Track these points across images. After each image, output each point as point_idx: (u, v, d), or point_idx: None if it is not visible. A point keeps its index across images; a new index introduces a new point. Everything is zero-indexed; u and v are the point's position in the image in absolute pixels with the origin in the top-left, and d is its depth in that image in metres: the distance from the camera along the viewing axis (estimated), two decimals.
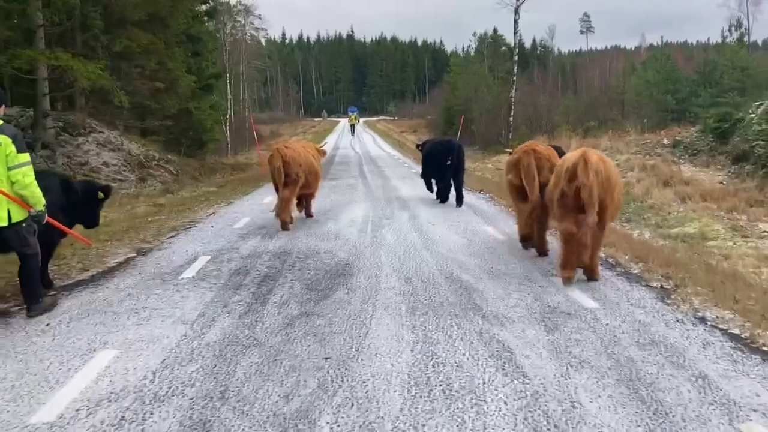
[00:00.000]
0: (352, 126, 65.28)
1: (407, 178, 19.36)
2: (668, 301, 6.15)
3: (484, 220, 11.08)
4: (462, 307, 5.78)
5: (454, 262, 7.63)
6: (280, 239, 9.22)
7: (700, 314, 5.73)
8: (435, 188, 13.86)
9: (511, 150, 13.03)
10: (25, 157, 5.39)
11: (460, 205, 12.71)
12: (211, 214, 12.23)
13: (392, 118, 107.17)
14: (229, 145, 42.83)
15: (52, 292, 6.34)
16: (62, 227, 6.30)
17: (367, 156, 33.06)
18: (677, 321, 5.51)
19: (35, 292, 5.69)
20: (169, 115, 22.83)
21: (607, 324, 5.37)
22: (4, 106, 5.67)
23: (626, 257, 8.14)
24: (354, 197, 14.54)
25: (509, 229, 10.27)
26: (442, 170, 13.06)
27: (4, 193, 5.28)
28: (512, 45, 36.41)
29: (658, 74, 37.70)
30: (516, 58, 35.31)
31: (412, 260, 7.72)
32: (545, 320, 5.44)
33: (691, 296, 6.30)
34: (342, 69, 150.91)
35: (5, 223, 5.32)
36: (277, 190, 10.50)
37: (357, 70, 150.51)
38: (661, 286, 6.75)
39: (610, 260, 8.00)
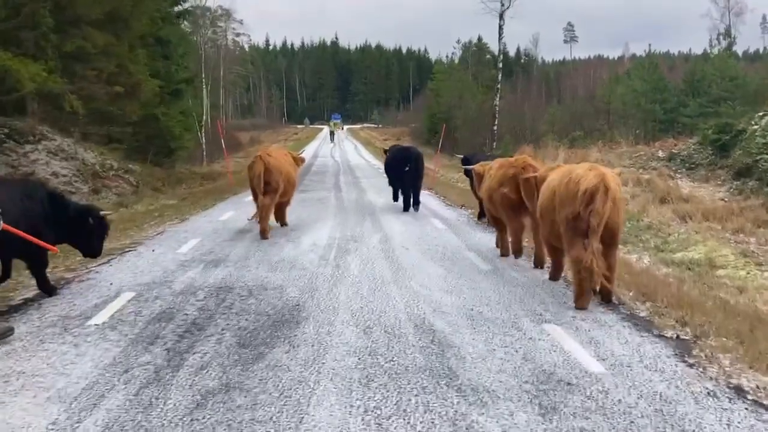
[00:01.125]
0: (332, 133, 64.14)
1: (385, 190, 18.00)
2: (690, 360, 4.91)
3: (466, 244, 9.81)
4: (432, 373, 4.49)
5: (427, 303, 6.34)
6: (226, 269, 7.88)
7: (734, 381, 4.49)
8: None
9: (462, 155, 12.76)
10: None
11: (417, 210, 13.48)
12: (158, 234, 10.86)
13: (376, 125, 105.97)
14: (205, 153, 41.36)
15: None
16: (21, 233, 5.75)
17: (346, 165, 31.77)
18: (708, 394, 4.25)
19: None
20: (133, 121, 21.38)
21: (620, 401, 4.10)
22: None
23: (630, 294, 6.91)
24: (323, 213, 13.23)
25: (493, 254, 9.04)
26: (401, 177, 13.67)
27: None
28: (497, 52, 35.33)
29: (646, 83, 36.80)
30: (500, 65, 34.23)
31: (377, 300, 6.41)
32: (540, 395, 4.16)
33: (717, 352, 5.07)
34: (326, 76, 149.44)
35: None
36: (255, 198, 10.48)
37: (341, 77, 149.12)
38: (677, 336, 5.52)
39: (612, 297, 6.76)
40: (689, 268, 9.29)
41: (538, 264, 8.11)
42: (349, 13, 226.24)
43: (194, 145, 39.07)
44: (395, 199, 14.37)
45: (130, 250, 9.31)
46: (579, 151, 19.16)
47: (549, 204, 6.70)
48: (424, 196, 17.25)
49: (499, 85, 33.34)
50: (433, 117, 49.46)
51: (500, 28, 32.60)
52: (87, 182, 16.61)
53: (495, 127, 32.38)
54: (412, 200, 13.58)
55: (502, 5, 32.05)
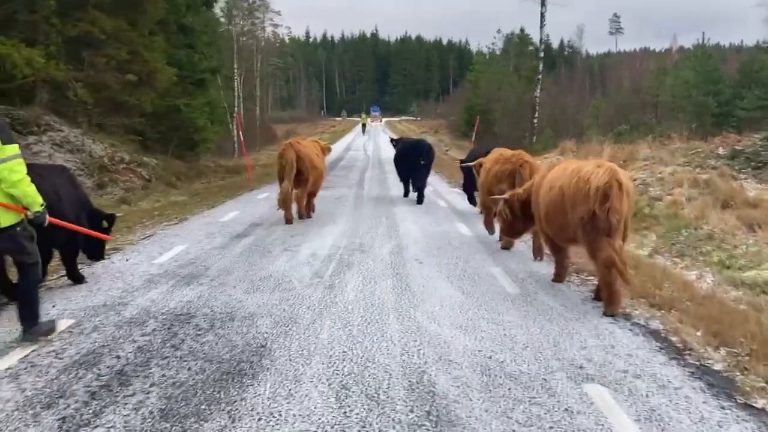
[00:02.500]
0: (363, 125, 64.61)
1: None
2: None
3: (492, 257, 8.31)
4: None
5: (432, 345, 4.90)
6: (198, 287, 6.55)
7: None
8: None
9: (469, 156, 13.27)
10: (14, 149, 4.57)
11: (420, 203, 13.50)
12: (145, 238, 9.62)
13: (414, 118, 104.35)
14: (236, 146, 40.47)
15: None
16: (71, 226, 5.87)
17: (376, 159, 30.28)
18: None
19: (34, 312, 4.86)
20: (149, 112, 20.35)
21: None
22: None
23: (697, 333, 5.36)
24: (335, 215, 11.83)
25: (523, 271, 7.54)
26: (412, 170, 14.03)
27: None
28: (538, 41, 33.30)
29: (698, 74, 34.34)
30: (542, 54, 32.23)
31: (368, 340, 4.99)
32: None
33: None
34: (365, 68, 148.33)
35: None
36: (281, 184, 10.60)
37: (380, 69, 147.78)
38: None
39: (673, 338, 5.25)
40: (765, 292, 7.64)
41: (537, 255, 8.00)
42: (389, 5, 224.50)
43: (225, 137, 38.27)
44: (406, 194, 14.70)
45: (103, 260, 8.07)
46: (626, 147, 17.39)
47: (557, 204, 6.29)
48: (453, 194, 15.85)
49: (539, 76, 31.40)
50: (470, 109, 47.66)
51: (542, 15, 30.69)
52: (92, 176, 15.56)
53: (535, 120, 30.53)
54: (416, 194, 13.79)
55: None
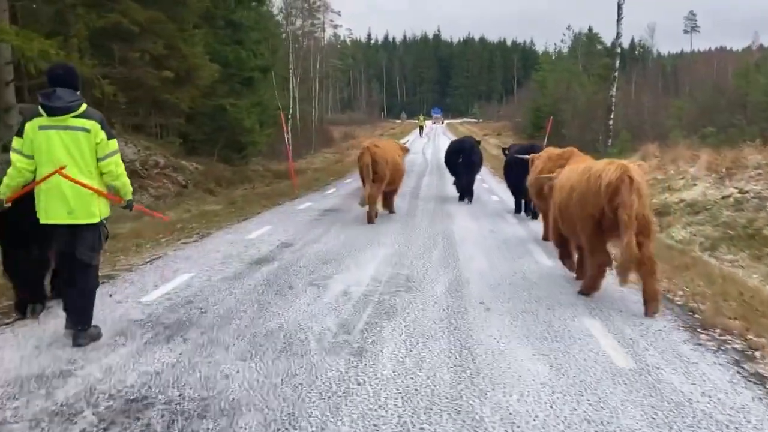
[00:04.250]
0: (421, 128, 64.26)
1: (474, 200, 14.64)
2: None
3: (584, 302, 6.17)
4: None
5: None
6: (176, 349, 4.73)
7: None
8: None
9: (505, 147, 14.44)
10: (115, 144, 4.70)
11: (470, 202, 14.20)
12: (149, 261, 7.94)
13: (476, 120, 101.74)
14: (290, 148, 39.16)
15: None
16: (146, 210, 7.00)
17: (435, 164, 28.21)
18: None
19: (88, 314, 4.75)
20: (192, 112, 19.01)
21: None
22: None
23: None
24: (380, 234, 9.88)
25: (633, 326, 5.43)
26: (457, 170, 14.54)
27: (96, 191, 4.58)
28: (614, 36, 30.38)
29: None
30: (618, 50, 29.49)
31: None
32: None
33: None
34: (426, 70, 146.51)
35: (96, 220, 4.63)
36: (364, 185, 11.12)
37: (442, 70, 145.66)
38: None
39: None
40: None
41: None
42: (452, 6, 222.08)
43: (279, 139, 37.04)
44: (461, 198, 14.68)
45: None
46: (727, 152, 14.79)
47: (568, 203, 6.28)
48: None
49: (615, 74, 28.70)
50: (537, 110, 45.08)
51: (619, 6, 27.94)
52: None
53: (610, 122, 27.85)
54: (465, 190, 14.32)
55: None
